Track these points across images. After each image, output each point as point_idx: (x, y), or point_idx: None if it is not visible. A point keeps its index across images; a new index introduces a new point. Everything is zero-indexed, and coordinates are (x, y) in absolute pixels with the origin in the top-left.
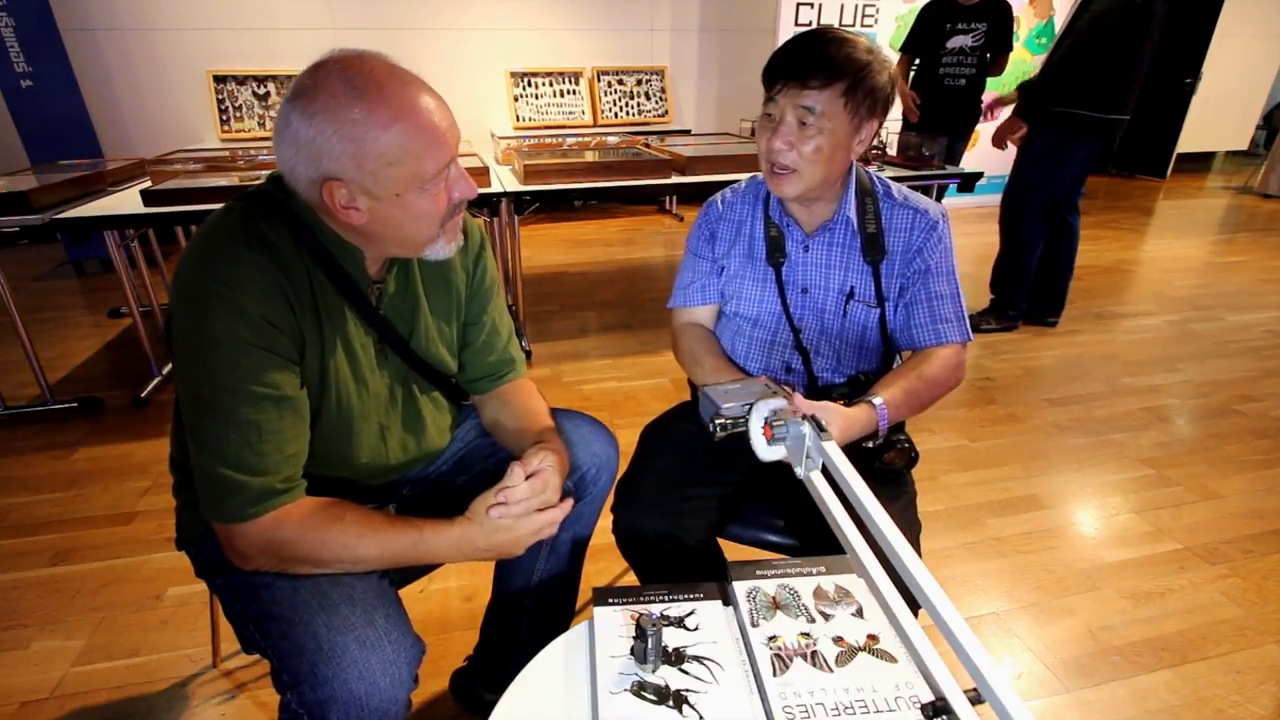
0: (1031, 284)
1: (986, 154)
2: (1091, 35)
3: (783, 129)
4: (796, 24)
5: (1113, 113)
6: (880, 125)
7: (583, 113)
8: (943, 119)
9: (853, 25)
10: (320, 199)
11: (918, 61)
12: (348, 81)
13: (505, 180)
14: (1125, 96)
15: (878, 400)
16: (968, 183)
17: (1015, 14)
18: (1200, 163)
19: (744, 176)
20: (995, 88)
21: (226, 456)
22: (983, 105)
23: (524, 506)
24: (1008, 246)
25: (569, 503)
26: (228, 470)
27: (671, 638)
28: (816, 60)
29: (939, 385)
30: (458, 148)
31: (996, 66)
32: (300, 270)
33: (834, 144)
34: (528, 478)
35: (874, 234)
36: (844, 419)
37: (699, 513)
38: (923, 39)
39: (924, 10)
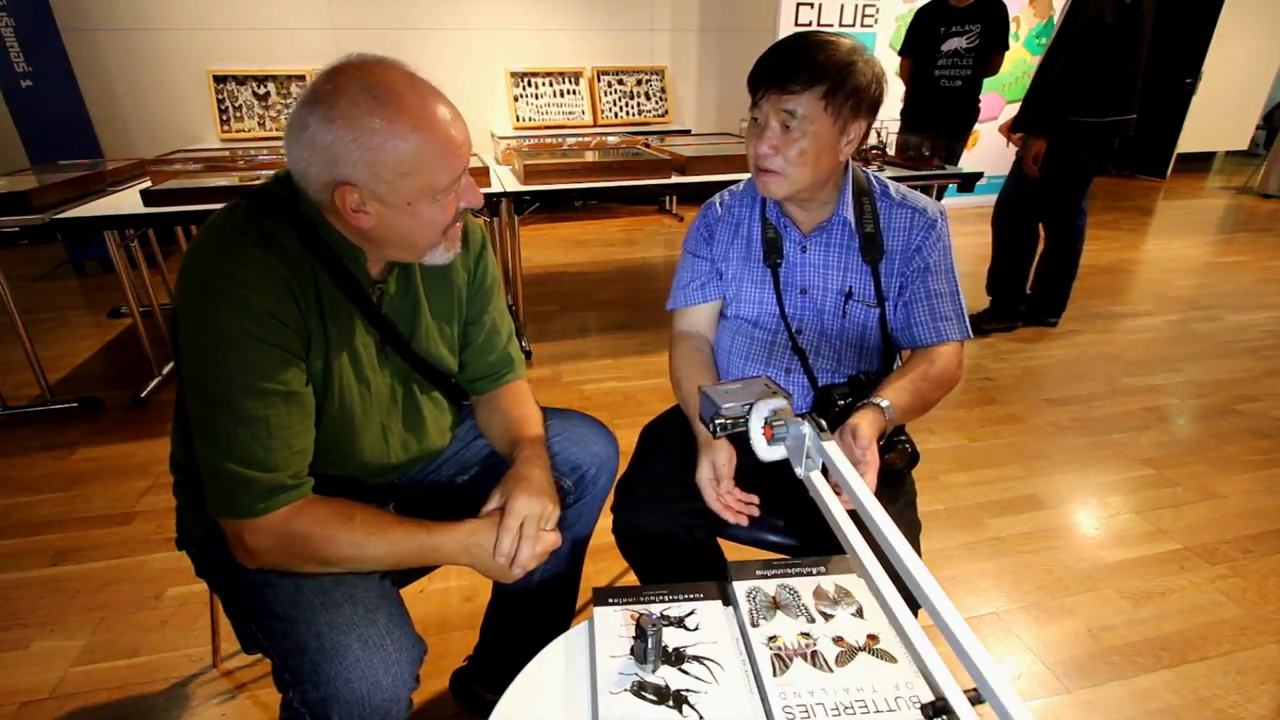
0: (1028, 285)
1: (986, 154)
2: (1087, 43)
3: (767, 133)
4: (796, 24)
5: (1110, 115)
6: (869, 125)
7: (583, 113)
8: (940, 120)
9: (852, 26)
10: (331, 202)
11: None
12: (369, 90)
13: (505, 180)
14: (1122, 98)
15: (885, 404)
16: (967, 183)
17: (1015, 14)
18: (1200, 163)
19: (743, 177)
20: (995, 87)
21: (235, 452)
22: (980, 105)
23: (524, 550)
24: (1005, 250)
25: (556, 536)
26: (237, 466)
27: (671, 638)
28: (796, 64)
29: (943, 385)
30: (469, 159)
31: (991, 65)
32: (305, 269)
33: (819, 146)
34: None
35: (872, 233)
36: (877, 466)
37: (699, 513)
38: (918, 42)
39: (919, 13)
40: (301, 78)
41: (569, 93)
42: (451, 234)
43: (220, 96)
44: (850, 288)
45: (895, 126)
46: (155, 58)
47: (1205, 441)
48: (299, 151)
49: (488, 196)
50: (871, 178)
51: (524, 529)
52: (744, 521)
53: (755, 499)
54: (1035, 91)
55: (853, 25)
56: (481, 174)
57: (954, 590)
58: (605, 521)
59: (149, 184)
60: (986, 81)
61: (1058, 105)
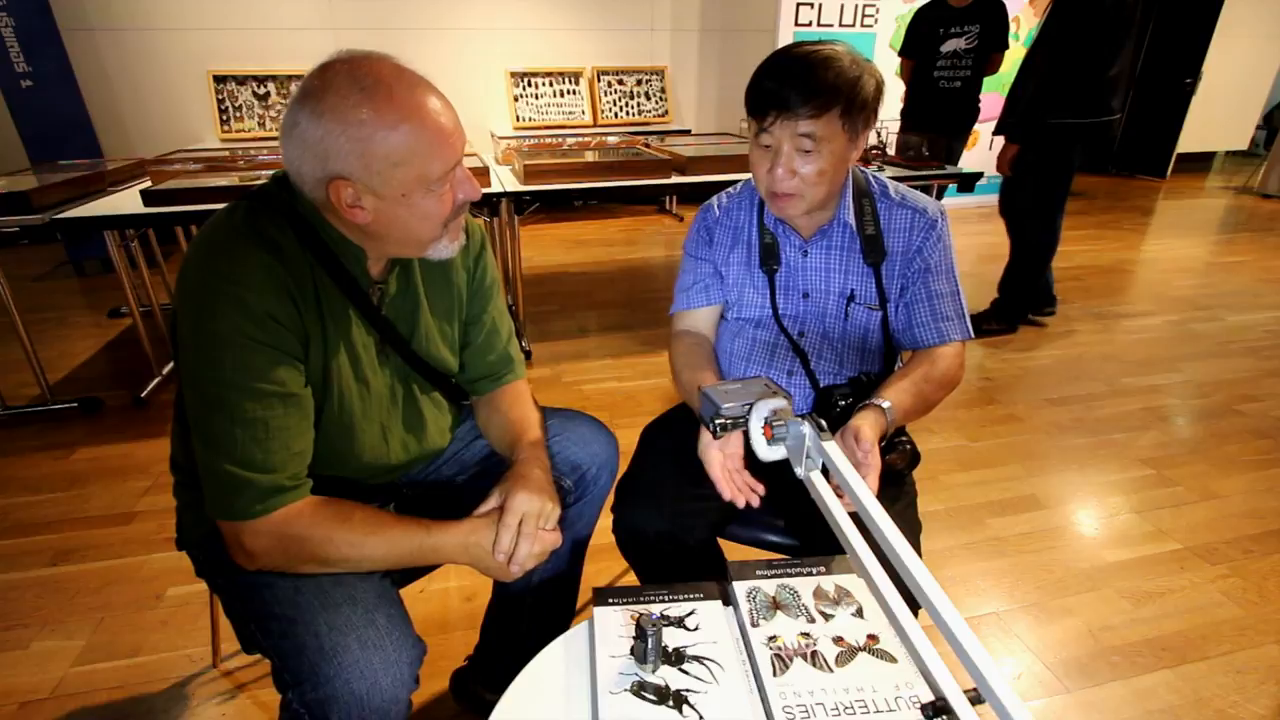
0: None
1: (986, 154)
2: (1068, 45)
3: (783, 159)
4: (796, 24)
5: (1100, 115)
6: (871, 130)
7: (583, 113)
8: (939, 121)
9: (852, 26)
10: (326, 198)
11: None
12: (356, 82)
13: (505, 180)
14: (1104, 98)
15: (886, 404)
16: (967, 183)
17: (1014, 13)
18: (1200, 163)
19: (742, 177)
20: (995, 87)
21: (233, 453)
22: (980, 105)
23: (523, 547)
24: (1034, 254)
25: (557, 535)
26: (235, 467)
27: (671, 638)
28: (808, 88)
29: (945, 385)
30: (463, 149)
31: (991, 65)
32: (304, 269)
33: (835, 162)
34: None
35: (873, 235)
36: (879, 469)
37: (699, 513)
38: (918, 42)
39: (918, 13)
40: (301, 78)
41: (569, 93)
42: (454, 227)
43: (220, 96)
44: (852, 290)
45: (895, 126)
46: (155, 58)
47: (1205, 441)
48: (292, 150)
49: (488, 196)
50: (871, 179)
51: (523, 526)
52: (740, 502)
53: (761, 489)
54: (1016, 94)
55: (853, 25)
56: (481, 174)
57: (954, 590)
58: (605, 521)
59: (149, 184)
60: (987, 81)
61: (1038, 107)
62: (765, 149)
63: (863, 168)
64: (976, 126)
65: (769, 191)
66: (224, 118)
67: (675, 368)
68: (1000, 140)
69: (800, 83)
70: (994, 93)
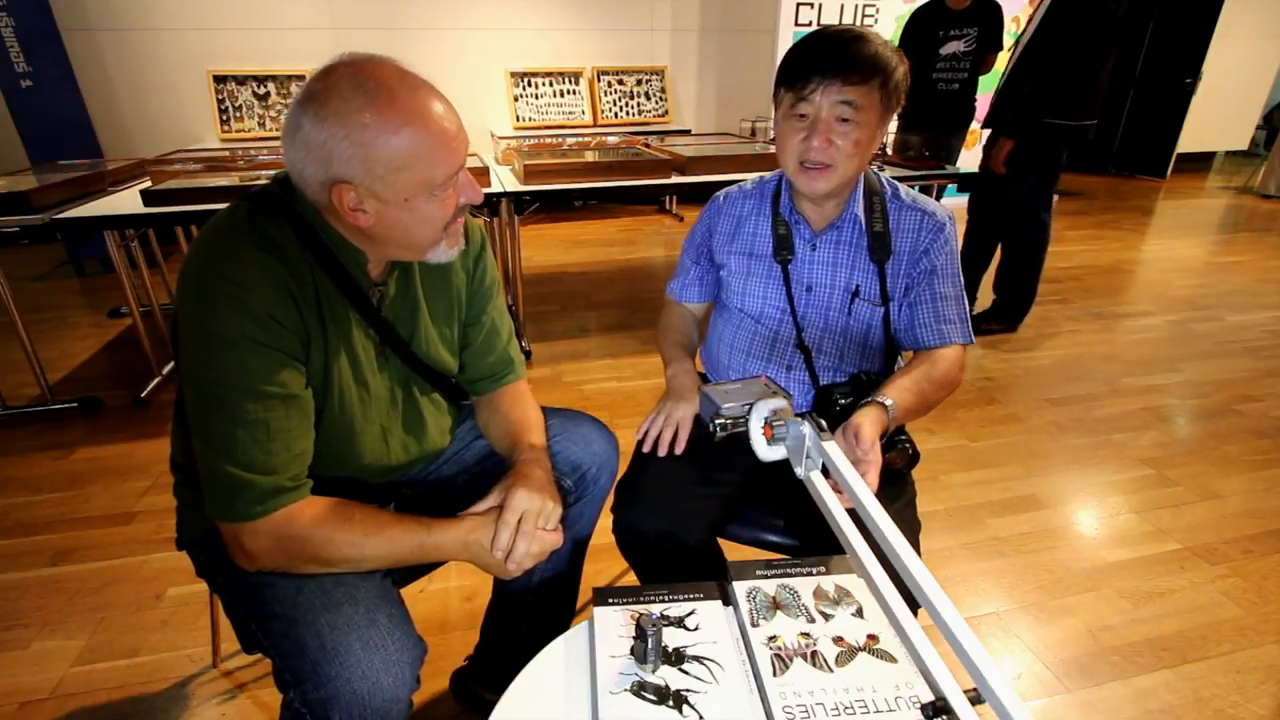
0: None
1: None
2: (1073, 47)
3: (821, 126)
4: (796, 24)
5: (1086, 119)
6: (893, 116)
7: (583, 113)
8: (937, 121)
9: (854, 25)
10: (329, 201)
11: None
12: (359, 86)
13: (505, 180)
14: (1097, 102)
15: (888, 402)
16: (966, 183)
17: (1014, 13)
18: (1200, 163)
19: (743, 176)
20: (987, 88)
21: (234, 454)
22: (976, 105)
23: (520, 545)
24: (1027, 253)
25: (558, 535)
26: (235, 468)
27: (671, 638)
28: (852, 58)
29: (945, 386)
30: (466, 153)
31: (985, 65)
32: (304, 270)
33: (869, 137)
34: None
35: (881, 233)
36: (879, 466)
37: (699, 513)
38: (915, 43)
39: (916, 14)
40: (301, 78)
41: (569, 93)
42: (453, 231)
43: (220, 96)
44: (857, 285)
45: (893, 126)
46: (155, 58)
47: (1205, 441)
48: (295, 152)
49: (488, 196)
50: (882, 179)
51: (522, 525)
52: (647, 448)
53: (681, 449)
54: (1011, 90)
55: (854, 25)
56: (481, 174)
57: (954, 590)
58: (605, 521)
59: (149, 184)
60: (982, 81)
61: (1035, 107)
62: (801, 119)
63: (870, 167)
64: (974, 126)
65: (800, 163)
66: (224, 118)
67: (660, 327)
68: (985, 134)
69: (843, 53)
70: (988, 93)
